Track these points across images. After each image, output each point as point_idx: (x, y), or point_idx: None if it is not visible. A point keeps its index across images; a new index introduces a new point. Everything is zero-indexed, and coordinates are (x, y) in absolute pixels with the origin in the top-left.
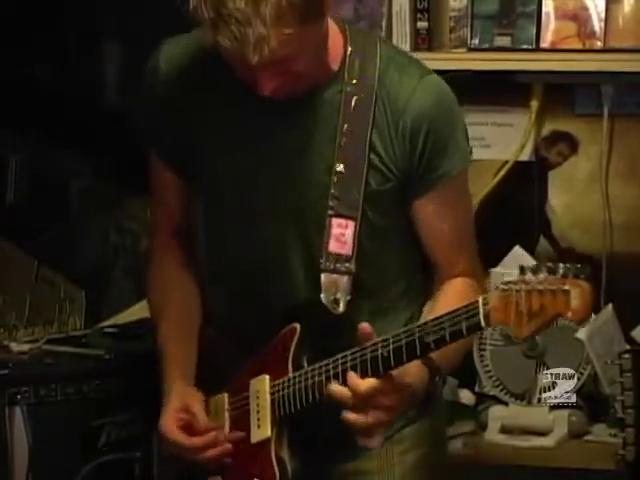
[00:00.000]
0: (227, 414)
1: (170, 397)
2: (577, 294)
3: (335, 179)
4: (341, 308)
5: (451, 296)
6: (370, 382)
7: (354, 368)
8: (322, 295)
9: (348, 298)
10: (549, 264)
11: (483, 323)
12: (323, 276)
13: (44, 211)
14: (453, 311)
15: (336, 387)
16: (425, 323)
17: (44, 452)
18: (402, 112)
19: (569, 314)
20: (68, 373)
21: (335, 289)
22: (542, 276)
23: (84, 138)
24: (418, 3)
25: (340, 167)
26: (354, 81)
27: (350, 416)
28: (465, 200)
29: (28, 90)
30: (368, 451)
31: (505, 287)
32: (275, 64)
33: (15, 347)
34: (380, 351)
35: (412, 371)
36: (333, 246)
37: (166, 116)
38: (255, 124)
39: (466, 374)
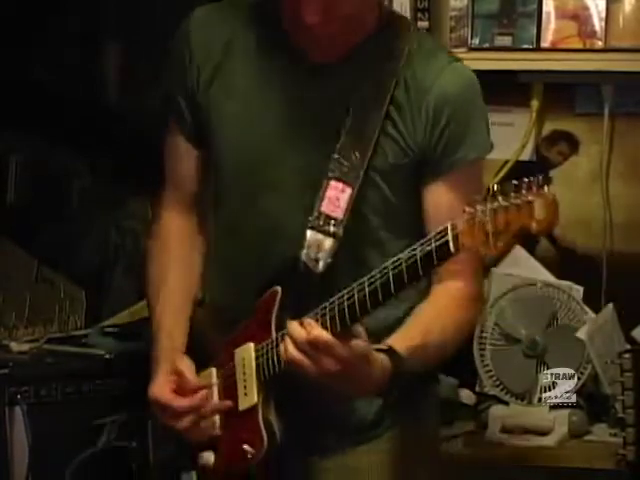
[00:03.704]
0: (215, 388)
1: (159, 362)
2: (541, 204)
3: (341, 143)
4: (320, 268)
5: (440, 307)
6: (324, 334)
7: (333, 318)
8: (303, 252)
9: (329, 261)
10: (514, 181)
11: (452, 248)
12: (309, 233)
13: (44, 211)
14: (424, 239)
15: (293, 324)
16: (398, 259)
17: (44, 452)
18: (427, 91)
19: (533, 224)
20: (68, 373)
21: (318, 249)
22: (509, 193)
23: (84, 138)
24: (418, 2)
25: (347, 132)
26: (383, 55)
27: (295, 354)
28: (477, 188)
29: (28, 90)
30: (357, 447)
31: (471, 210)
32: None
33: (15, 347)
34: (356, 295)
35: (375, 361)
36: (326, 207)
37: (190, 81)
38: (280, 88)
39: (466, 374)
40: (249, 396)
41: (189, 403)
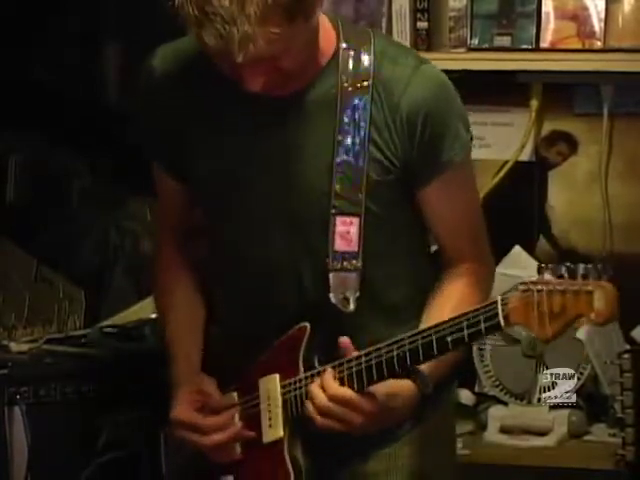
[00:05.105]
0: (237, 413)
1: (181, 384)
2: (601, 295)
3: (336, 177)
4: (351, 306)
5: (453, 298)
6: (345, 392)
7: (369, 369)
8: (331, 295)
9: (357, 295)
10: (569, 264)
11: (503, 324)
12: (331, 275)
13: (44, 211)
14: (472, 311)
15: (314, 386)
16: (442, 323)
17: (43, 452)
18: (397, 105)
19: (592, 315)
20: (68, 373)
21: (344, 287)
22: (563, 276)
23: (84, 138)
24: (418, 3)
25: (340, 164)
26: (349, 76)
27: (317, 418)
28: (469, 188)
29: (28, 90)
30: (377, 452)
31: (525, 287)
32: (261, 62)
33: (14, 347)
34: (396, 352)
35: (400, 393)
36: (339, 244)
37: (162, 124)
38: (251, 127)
39: (466, 374)
40: (274, 429)
41: (219, 421)
